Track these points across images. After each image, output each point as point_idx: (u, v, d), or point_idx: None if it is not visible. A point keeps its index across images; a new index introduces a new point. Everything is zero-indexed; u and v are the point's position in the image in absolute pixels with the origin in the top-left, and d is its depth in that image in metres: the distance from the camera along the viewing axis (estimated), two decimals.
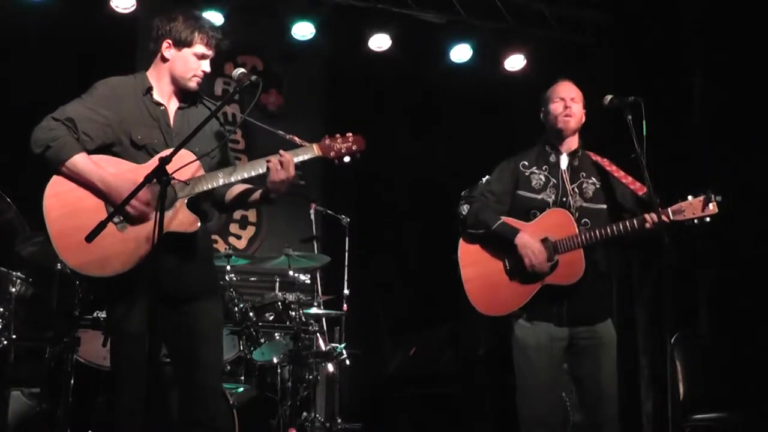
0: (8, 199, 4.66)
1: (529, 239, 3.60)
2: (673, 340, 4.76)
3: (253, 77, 3.13)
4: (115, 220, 2.95)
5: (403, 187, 7.82)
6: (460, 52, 7.09)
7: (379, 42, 6.98)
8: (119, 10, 6.31)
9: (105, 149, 3.07)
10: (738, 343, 5.24)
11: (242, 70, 3.20)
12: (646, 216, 3.49)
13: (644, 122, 3.44)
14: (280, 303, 5.64)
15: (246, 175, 3.11)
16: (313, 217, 6.36)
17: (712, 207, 3.47)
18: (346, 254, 6.31)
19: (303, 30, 6.94)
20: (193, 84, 3.20)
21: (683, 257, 5.42)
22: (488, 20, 6.84)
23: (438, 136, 7.64)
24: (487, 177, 3.90)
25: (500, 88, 7.29)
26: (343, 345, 6.00)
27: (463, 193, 6.41)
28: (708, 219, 3.49)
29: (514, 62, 7.14)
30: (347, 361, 5.98)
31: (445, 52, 7.12)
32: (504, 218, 3.71)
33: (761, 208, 5.15)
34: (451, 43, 7.07)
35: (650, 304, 6.00)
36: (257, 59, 7.62)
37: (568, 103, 3.71)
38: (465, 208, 3.76)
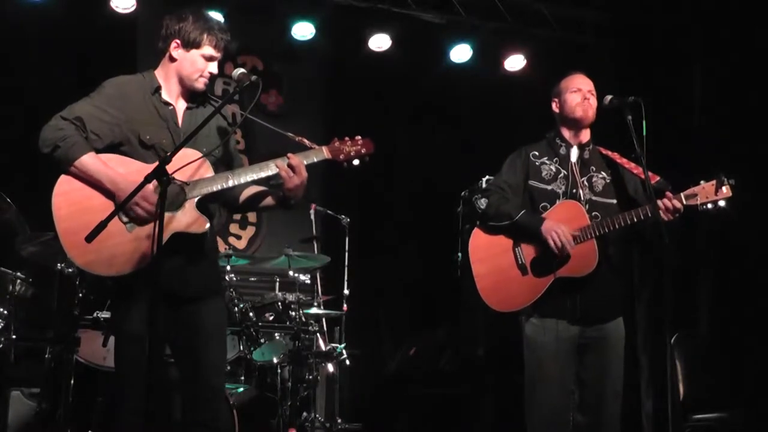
0: (8, 199, 4.66)
1: (554, 223, 3.56)
2: (673, 340, 4.76)
3: (253, 77, 3.12)
4: (124, 219, 2.95)
5: (403, 187, 7.83)
6: (460, 52, 7.10)
7: (379, 42, 6.99)
8: (119, 10, 6.31)
9: (113, 148, 3.06)
10: (738, 343, 5.24)
11: (242, 70, 3.20)
12: (659, 202, 3.47)
13: (644, 122, 3.44)
14: (280, 303, 5.64)
15: (255, 177, 3.09)
16: (313, 217, 6.36)
17: (725, 190, 3.46)
18: (346, 254, 6.31)
19: (303, 30, 6.95)
20: (200, 85, 3.19)
21: (683, 257, 5.43)
22: (488, 20, 6.84)
23: (438, 136, 7.64)
24: (497, 172, 3.87)
25: (500, 88, 7.29)
26: (343, 345, 6.01)
27: (463, 194, 6.44)
28: (722, 203, 3.47)
29: (514, 62, 7.15)
30: (347, 361, 5.98)
31: (445, 52, 7.12)
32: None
33: (761, 207, 5.15)
34: (451, 43, 7.08)
35: (650, 304, 6.00)
36: (257, 59, 7.62)
37: (585, 94, 3.70)
38: (483, 202, 3.72)
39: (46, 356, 4.72)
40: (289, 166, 3.06)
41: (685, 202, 3.49)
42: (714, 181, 3.48)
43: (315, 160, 3.14)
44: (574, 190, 3.67)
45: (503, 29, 6.91)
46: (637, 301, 6.11)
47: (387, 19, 6.78)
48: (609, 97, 3.66)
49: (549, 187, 3.69)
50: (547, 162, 3.73)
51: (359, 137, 3.22)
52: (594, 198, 3.67)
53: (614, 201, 3.69)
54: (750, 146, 5.40)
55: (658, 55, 6.19)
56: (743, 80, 5.54)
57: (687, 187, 3.54)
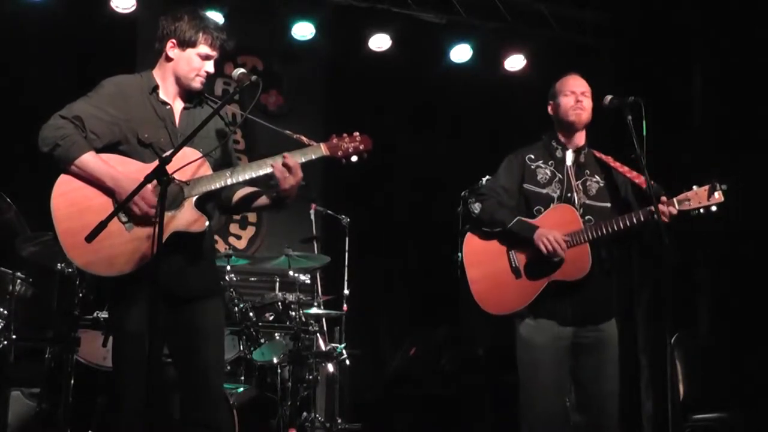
0: (8, 199, 4.66)
1: (546, 230, 3.57)
2: (673, 340, 4.76)
3: (253, 77, 3.12)
4: (123, 219, 2.95)
5: (403, 187, 7.83)
6: (460, 52, 7.10)
7: (379, 42, 6.99)
8: (119, 10, 6.31)
9: (112, 148, 3.06)
10: (738, 343, 5.24)
11: (242, 70, 3.20)
12: (652, 208, 3.48)
13: (644, 122, 3.44)
14: (280, 303, 5.64)
15: (253, 175, 3.08)
16: (313, 217, 6.36)
17: (717, 196, 3.48)
18: (346, 254, 6.31)
19: (303, 30, 6.95)
20: (196, 84, 3.19)
21: (683, 257, 5.42)
22: (488, 20, 6.84)
23: (438, 136, 7.64)
24: (494, 175, 3.86)
25: (500, 88, 7.30)
26: (343, 345, 6.01)
27: (462, 194, 6.43)
28: (714, 208, 3.50)
29: (514, 62, 7.15)
30: (347, 361, 5.98)
31: (445, 52, 7.12)
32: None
33: (761, 207, 5.15)
34: (451, 43, 7.08)
35: (650, 304, 6.00)
36: (257, 59, 7.63)
37: (579, 97, 3.69)
38: (477, 207, 3.72)
39: (46, 356, 4.72)
40: (285, 165, 3.05)
41: (678, 207, 3.51)
42: (707, 187, 3.50)
43: (313, 157, 3.13)
44: (569, 194, 3.68)
45: (503, 29, 6.91)
46: (637, 301, 6.11)
47: (387, 19, 6.78)
48: (609, 97, 3.65)
49: (544, 191, 3.69)
50: (542, 165, 3.73)
51: (357, 133, 3.20)
52: (588, 202, 3.68)
53: (608, 204, 3.70)
54: (750, 146, 5.40)
55: (658, 55, 6.19)
56: (743, 80, 5.54)
57: (683, 190, 3.55)
